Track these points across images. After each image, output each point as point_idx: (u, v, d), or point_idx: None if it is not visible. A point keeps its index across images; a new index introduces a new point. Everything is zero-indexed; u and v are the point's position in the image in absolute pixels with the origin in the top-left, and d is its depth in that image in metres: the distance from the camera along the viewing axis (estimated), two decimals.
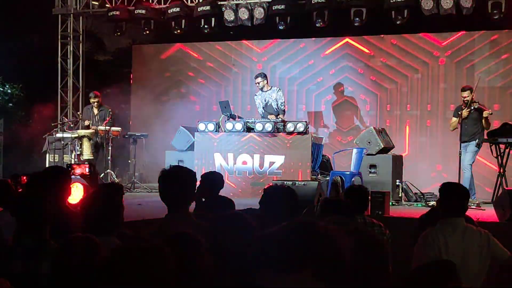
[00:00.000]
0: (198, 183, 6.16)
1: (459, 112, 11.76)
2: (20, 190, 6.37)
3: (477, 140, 11.79)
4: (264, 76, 13.17)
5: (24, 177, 7.88)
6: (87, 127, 14.06)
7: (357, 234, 2.84)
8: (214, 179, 6.60)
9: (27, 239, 3.95)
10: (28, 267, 3.79)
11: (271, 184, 5.20)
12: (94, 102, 14.26)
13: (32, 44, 15.68)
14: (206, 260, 3.17)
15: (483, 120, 11.77)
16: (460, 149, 11.53)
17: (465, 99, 11.81)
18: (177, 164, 5.27)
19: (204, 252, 3.18)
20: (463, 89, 12.05)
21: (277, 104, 12.98)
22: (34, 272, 3.68)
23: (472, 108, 11.70)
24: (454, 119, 12.01)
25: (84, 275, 3.18)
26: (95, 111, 14.23)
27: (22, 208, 4.12)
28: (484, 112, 11.66)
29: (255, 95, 13.36)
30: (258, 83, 13.08)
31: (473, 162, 11.85)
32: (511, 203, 8.87)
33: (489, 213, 9.93)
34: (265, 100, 13.10)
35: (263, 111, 13.14)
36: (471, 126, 11.82)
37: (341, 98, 15.44)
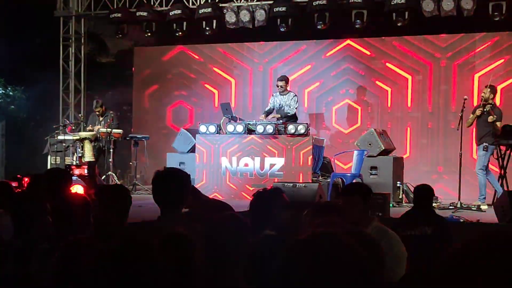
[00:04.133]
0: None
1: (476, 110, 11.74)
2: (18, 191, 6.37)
3: (484, 144, 11.71)
4: (287, 81, 13.24)
5: (26, 179, 7.91)
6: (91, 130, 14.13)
7: (353, 234, 2.86)
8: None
9: (18, 241, 3.96)
10: (17, 269, 3.79)
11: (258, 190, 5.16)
12: (97, 110, 14.33)
13: (34, 46, 15.71)
14: (199, 259, 3.19)
15: (493, 125, 11.68)
16: (461, 151, 11.52)
17: (483, 96, 11.76)
18: (171, 166, 5.30)
19: (197, 252, 3.19)
20: (486, 86, 11.98)
21: (289, 107, 13.02)
22: (22, 274, 3.69)
23: (484, 109, 11.62)
24: (472, 116, 11.88)
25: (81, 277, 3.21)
26: (100, 118, 14.28)
27: (19, 209, 4.13)
28: (489, 118, 11.55)
29: (273, 95, 13.42)
30: (281, 86, 13.13)
31: (484, 166, 11.66)
32: (511, 204, 8.89)
33: (489, 214, 9.94)
34: (279, 104, 13.14)
35: (270, 112, 13.17)
36: (481, 128, 11.71)
37: (342, 100, 15.45)
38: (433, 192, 7.41)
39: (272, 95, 13.48)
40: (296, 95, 13.29)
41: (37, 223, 3.99)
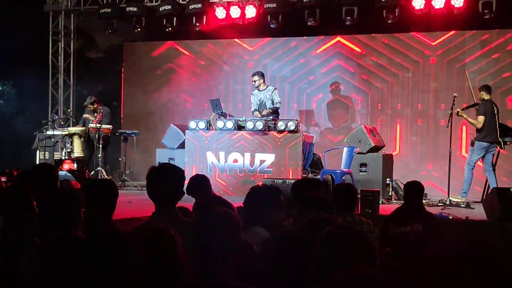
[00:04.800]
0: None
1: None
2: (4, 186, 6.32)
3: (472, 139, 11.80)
4: (261, 75, 13.18)
5: (16, 173, 7.87)
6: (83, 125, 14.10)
7: (344, 231, 2.85)
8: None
9: (10, 237, 3.93)
10: (9, 265, 3.77)
11: (257, 185, 5.17)
12: (89, 107, 14.28)
13: (23, 41, 15.61)
14: (180, 256, 3.18)
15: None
16: (450, 148, 11.55)
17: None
18: (166, 162, 5.28)
19: (179, 249, 3.18)
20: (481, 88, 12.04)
21: (272, 103, 12.99)
22: (14, 269, 3.67)
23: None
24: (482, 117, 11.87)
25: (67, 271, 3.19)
26: (95, 114, 14.21)
27: (7, 205, 4.10)
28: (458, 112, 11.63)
29: (252, 94, 13.37)
30: (255, 81, 13.09)
31: (472, 161, 11.66)
32: (500, 201, 8.92)
33: (478, 211, 9.98)
34: (259, 100, 13.11)
35: (256, 110, 13.14)
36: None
37: (332, 96, 15.46)
38: (423, 189, 7.41)
39: (252, 94, 13.42)
40: (275, 88, 13.26)
41: (26, 219, 3.96)
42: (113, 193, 4.81)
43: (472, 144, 11.64)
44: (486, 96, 11.76)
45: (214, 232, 3.12)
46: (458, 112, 11.51)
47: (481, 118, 11.59)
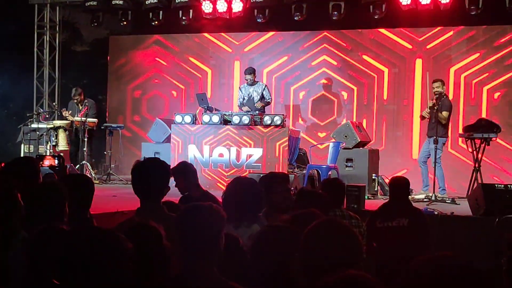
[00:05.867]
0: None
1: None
2: None
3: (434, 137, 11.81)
4: (255, 72, 13.24)
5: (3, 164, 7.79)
6: (65, 118, 13.96)
7: (331, 224, 2.83)
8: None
9: None
10: None
11: (235, 178, 5.14)
12: (75, 98, 14.14)
13: (8, 33, 15.49)
14: (166, 250, 3.16)
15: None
16: (436, 143, 11.56)
17: (438, 91, 11.83)
18: (151, 156, 5.25)
19: (163, 243, 3.16)
20: (435, 81, 12.02)
21: (260, 98, 13.02)
22: (1, 262, 3.63)
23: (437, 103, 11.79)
24: (427, 110, 11.95)
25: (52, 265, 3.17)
26: (79, 106, 14.10)
27: None
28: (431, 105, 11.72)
29: (240, 87, 13.38)
30: (249, 79, 13.13)
31: (439, 158, 11.64)
32: (485, 197, 8.95)
33: (463, 207, 10.01)
34: (248, 94, 13.13)
35: (242, 105, 13.15)
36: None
37: (318, 92, 15.45)
38: (409, 184, 7.43)
39: (240, 87, 13.45)
40: (266, 85, 13.34)
41: (14, 211, 3.92)
42: (89, 189, 4.78)
43: (436, 141, 11.57)
44: (443, 89, 11.87)
45: (198, 226, 3.09)
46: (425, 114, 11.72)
47: (446, 114, 11.69)
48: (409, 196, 11.44)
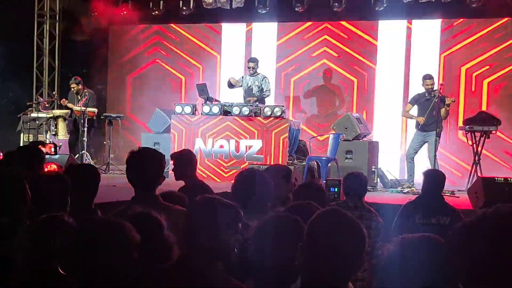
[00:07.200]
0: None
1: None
2: None
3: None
4: (257, 62, 13.18)
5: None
6: (65, 107, 13.91)
7: (334, 214, 2.81)
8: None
9: (3, 219, 3.88)
10: (1, 248, 3.73)
11: (245, 169, 5.12)
12: (72, 87, 14.03)
13: (8, 22, 15.44)
14: (167, 240, 3.15)
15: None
16: (437, 136, 11.56)
17: (431, 87, 11.86)
18: (145, 146, 5.21)
19: (164, 232, 3.16)
20: (427, 78, 12.00)
21: (259, 90, 12.98)
22: (5, 252, 3.63)
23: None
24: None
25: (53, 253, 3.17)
26: (79, 97, 14.02)
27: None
28: (447, 100, 11.73)
29: (242, 76, 13.34)
30: (252, 67, 13.07)
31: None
32: (485, 190, 8.95)
33: (463, 200, 10.01)
34: (247, 85, 13.10)
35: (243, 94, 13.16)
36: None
37: (319, 83, 15.42)
38: (445, 179, 7.03)
39: (242, 76, 13.43)
40: (266, 77, 13.26)
41: (22, 202, 3.91)
42: (95, 179, 4.78)
43: (439, 134, 11.58)
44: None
45: (209, 223, 3.02)
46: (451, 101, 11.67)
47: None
48: (409, 189, 11.53)
